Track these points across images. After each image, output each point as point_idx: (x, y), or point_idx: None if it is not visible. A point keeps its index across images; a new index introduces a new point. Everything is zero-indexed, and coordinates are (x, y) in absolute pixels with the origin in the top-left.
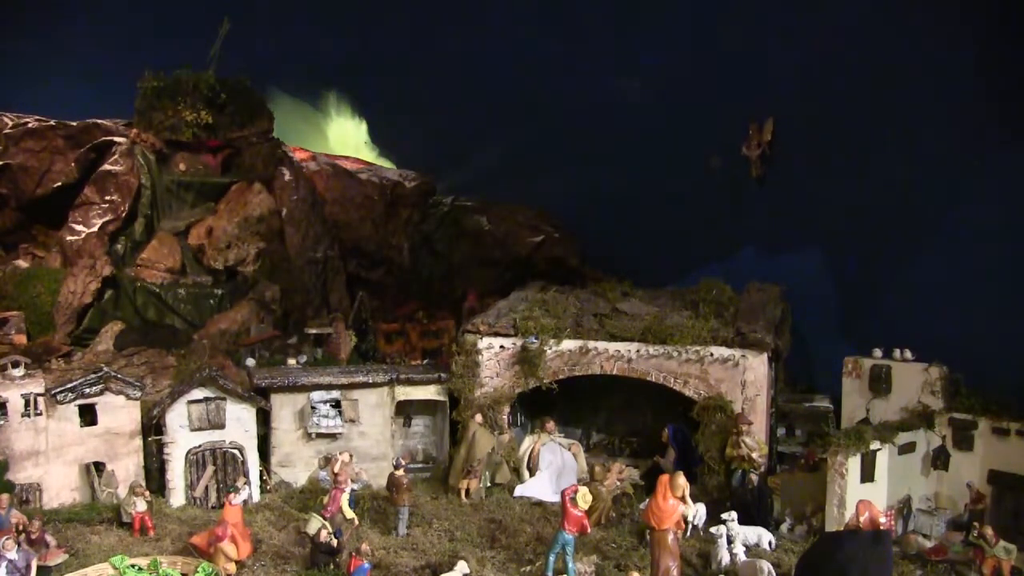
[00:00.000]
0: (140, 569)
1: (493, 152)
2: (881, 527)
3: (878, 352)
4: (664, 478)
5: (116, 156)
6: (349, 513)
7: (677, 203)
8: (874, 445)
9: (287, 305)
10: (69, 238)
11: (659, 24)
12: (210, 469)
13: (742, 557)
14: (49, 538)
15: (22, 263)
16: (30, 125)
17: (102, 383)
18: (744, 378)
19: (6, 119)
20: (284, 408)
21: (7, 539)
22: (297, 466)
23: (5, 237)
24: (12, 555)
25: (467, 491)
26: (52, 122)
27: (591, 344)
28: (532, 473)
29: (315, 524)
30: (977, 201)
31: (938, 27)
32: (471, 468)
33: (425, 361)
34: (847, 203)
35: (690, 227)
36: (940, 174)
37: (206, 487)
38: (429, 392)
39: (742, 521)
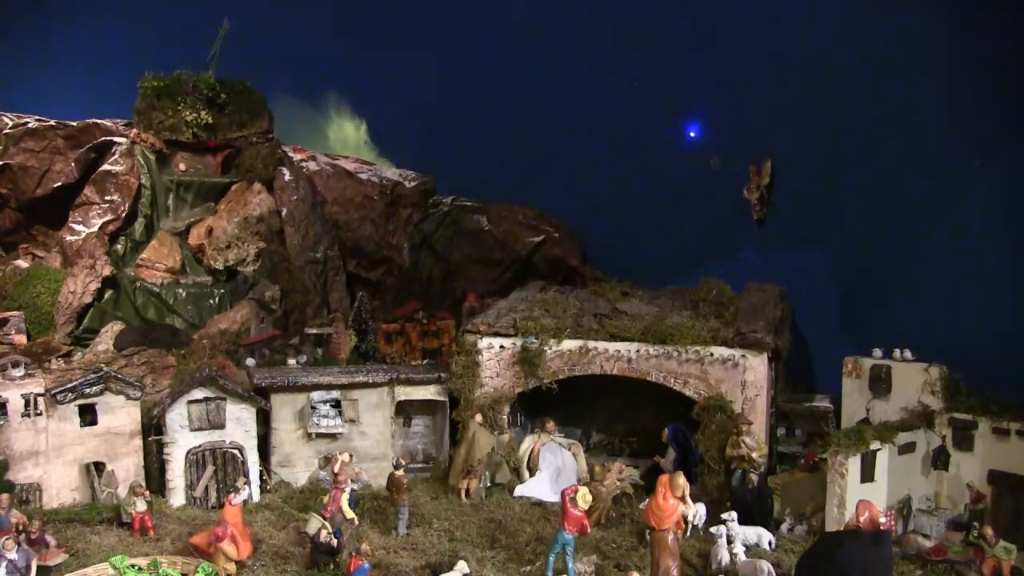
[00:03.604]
0: (140, 569)
1: (493, 152)
2: (881, 527)
3: (878, 352)
4: (664, 478)
5: (116, 156)
6: (349, 513)
7: (677, 203)
8: (874, 445)
9: (287, 305)
10: (69, 238)
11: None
12: (210, 469)
13: (742, 557)
14: (49, 538)
15: (22, 263)
16: (30, 125)
17: (102, 383)
18: (744, 378)
19: (6, 119)
20: (284, 408)
21: (7, 539)
22: (297, 466)
23: (5, 237)
24: (12, 555)
25: (467, 491)
26: (52, 122)
27: (591, 344)
28: (532, 473)
29: (315, 524)
30: (977, 201)
31: (938, 26)
32: (471, 468)
33: (425, 361)
34: (847, 203)
35: (690, 227)
36: (940, 174)
37: (206, 487)
38: (429, 392)
39: (742, 521)
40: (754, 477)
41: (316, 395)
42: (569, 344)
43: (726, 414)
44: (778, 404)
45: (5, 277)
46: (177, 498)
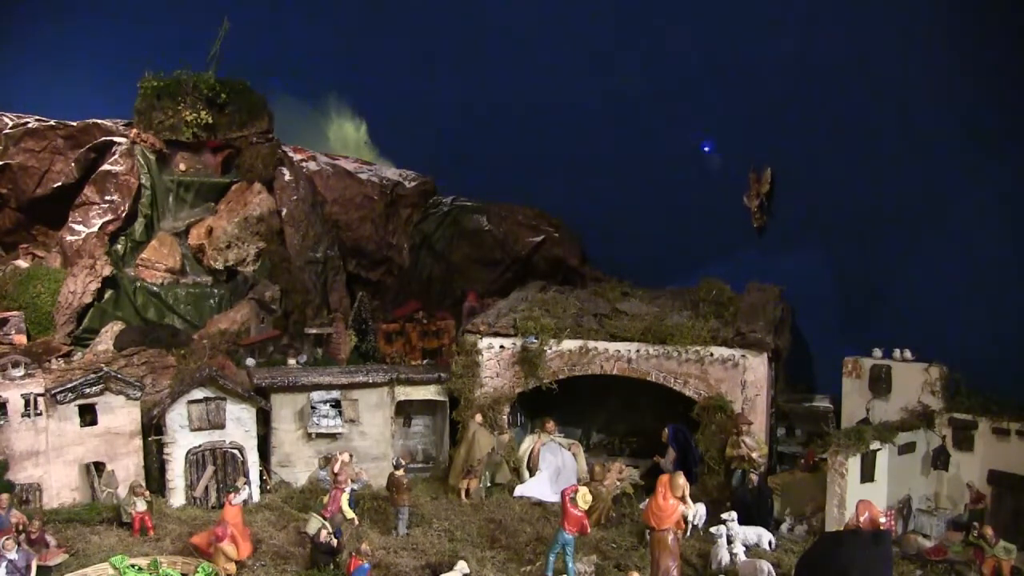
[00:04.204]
0: (140, 569)
1: (493, 152)
2: (881, 527)
3: (878, 352)
4: (664, 478)
5: (116, 156)
6: (349, 513)
7: (677, 203)
8: (874, 445)
9: (287, 305)
10: (69, 238)
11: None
12: (210, 469)
13: (742, 557)
14: (49, 538)
15: (22, 263)
16: (30, 125)
17: (102, 383)
18: (744, 378)
19: (6, 119)
20: (284, 408)
21: (7, 539)
22: (297, 466)
23: (5, 237)
24: (12, 555)
25: (467, 491)
26: (52, 122)
27: (591, 344)
28: (532, 473)
29: (315, 524)
30: (977, 201)
31: (937, 27)
32: (471, 468)
33: (425, 361)
34: (847, 203)
35: (690, 227)
36: (940, 174)
37: (206, 487)
38: (429, 392)
39: (742, 521)
40: (754, 477)
41: (316, 395)
42: (569, 344)
43: (726, 414)
44: (778, 404)
45: (5, 277)
46: (177, 498)
